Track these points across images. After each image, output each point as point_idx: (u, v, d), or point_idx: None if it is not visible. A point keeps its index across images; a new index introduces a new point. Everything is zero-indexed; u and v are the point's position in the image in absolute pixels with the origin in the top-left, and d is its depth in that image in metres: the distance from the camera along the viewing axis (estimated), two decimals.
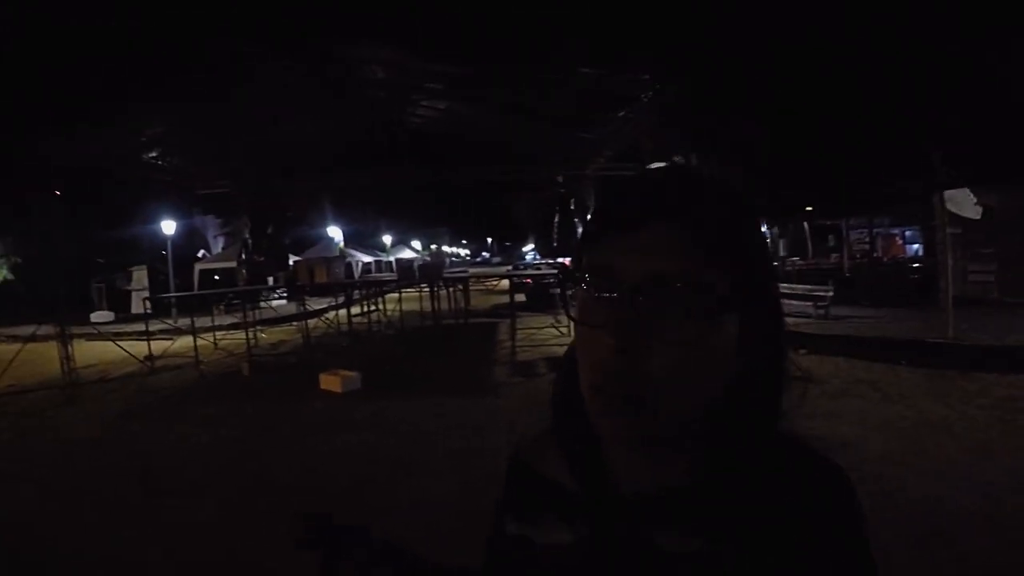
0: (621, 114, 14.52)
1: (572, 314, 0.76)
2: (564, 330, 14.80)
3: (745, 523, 0.70)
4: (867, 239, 22.98)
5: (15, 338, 19.78)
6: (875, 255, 21.92)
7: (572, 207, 21.70)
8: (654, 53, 11.55)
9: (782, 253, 25.51)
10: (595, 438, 0.80)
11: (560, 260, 23.11)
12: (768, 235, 25.64)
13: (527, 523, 0.88)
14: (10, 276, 35.69)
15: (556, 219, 21.68)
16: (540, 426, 0.94)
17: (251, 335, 16.54)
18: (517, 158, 21.13)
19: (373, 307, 20.60)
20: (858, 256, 23.13)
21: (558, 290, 17.63)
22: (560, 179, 22.11)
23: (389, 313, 21.90)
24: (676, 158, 12.50)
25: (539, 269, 23.56)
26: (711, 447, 0.75)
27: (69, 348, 13.23)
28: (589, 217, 0.80)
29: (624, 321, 0.68)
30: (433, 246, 65.90)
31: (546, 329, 15.87)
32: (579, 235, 0.90)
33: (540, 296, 21.24)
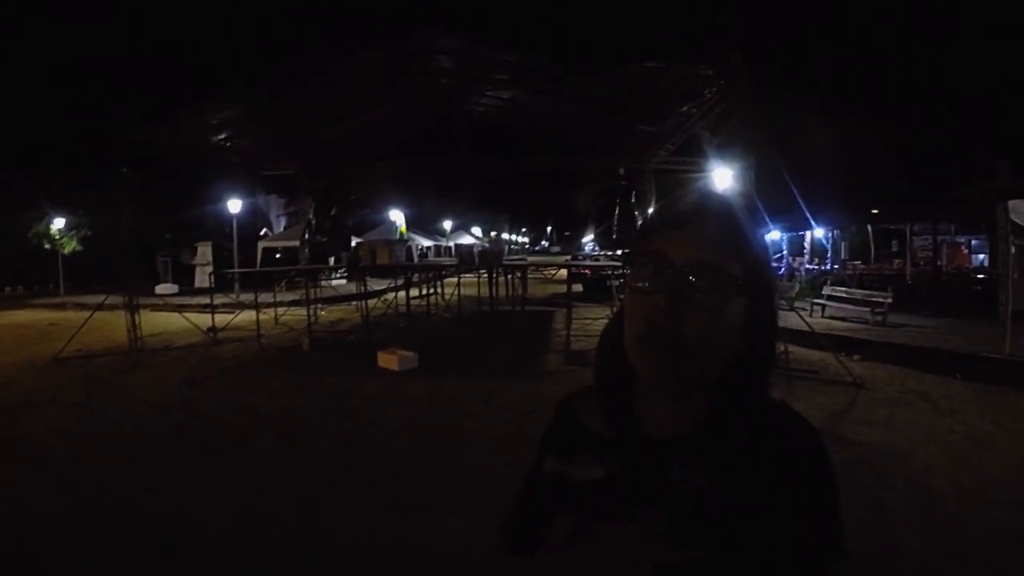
0: (684, 108, 14.40)
1: (630, 283, 1.02)
2: None
3: (739, 463, 0.93)
4: (931, 246, 22.30)
5: (84, 306, 20.58)
6: (938, 263, 21.24)
7: (633, 199, 21.51)
8: (717, 48, 11.37)
9: (843, 256, 25.02)
10: (629, 393, 1.08)
11: (619, 252, 22.91)
12: (830, 237, 25.18)
13: (565, 460, 1.11)
14: (80, 248, 36.88)
15: (616, 211, 21.53)
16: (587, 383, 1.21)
17: (312, 312, 16.86)
18: (579, 149, 21.10)
19: (432, 290, 20.81)
20: (921, 263, 22.44)
21: (616, 283, 17.74)
22: (622, 171, 21.95)
23: (447, 297, 22.11)
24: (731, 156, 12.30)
25: (597, 260, 23.37)
26: (717, 402, 0.99)
27: (136, 317, 13.65)
28: (650, 214, 1.14)
29: (673, 289, 0.96)
30: (493, 233, 65.98)
31: (601, 320, 15.78)
32: (639, 227, 1.16)
33: (597, 287, 21.15)
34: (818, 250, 26.12)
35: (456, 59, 15.45)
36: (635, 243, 1.07)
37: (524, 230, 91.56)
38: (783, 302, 14.40)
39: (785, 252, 27.29)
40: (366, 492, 5.88)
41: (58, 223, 34.95)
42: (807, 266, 25.14)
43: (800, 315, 12.51)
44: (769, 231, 28.04)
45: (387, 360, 11.53)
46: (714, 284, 0.95)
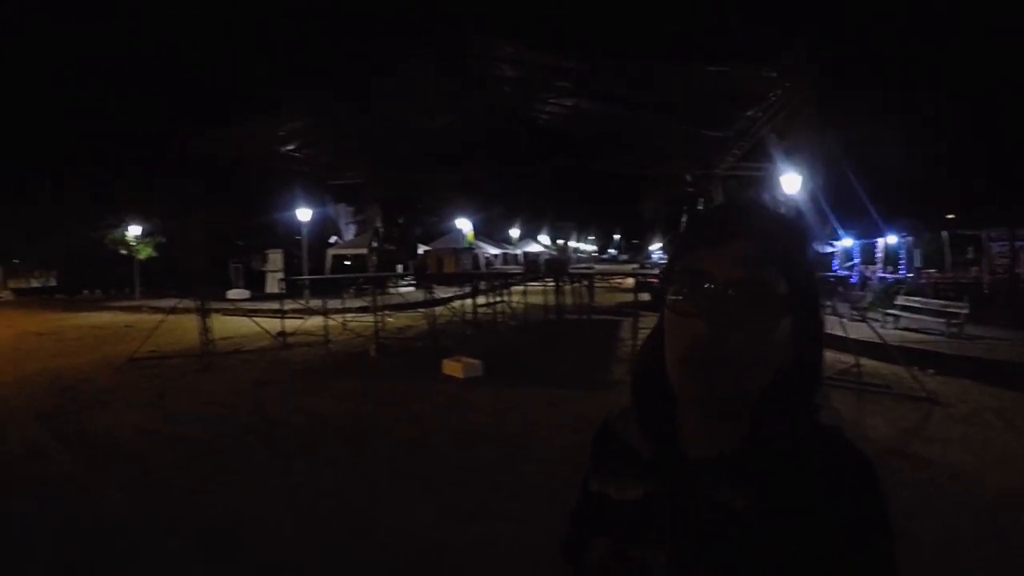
0: (749, 113, 14.11)
1: (669, 305, 0.97)
2: None
3: (783, 487, 0.88)
4: (1008, 252, 21.15)
5: (158, 310, 21.16)
6: (1016, 271, 20.12)
7: (700, 206, 21.18)
8: (782, 50, 11.11)
9: (917, 264, 24.16)
10: (669, 410, 1.02)
11: None
12: (903, 244, 24.38)
13: (606, 481, 1.08)
14: (155, 254, 38.16)
15: (684, 218, 21.21)
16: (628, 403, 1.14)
17: (379, 319, 17.00)
18: (645, 155, 20.90)
19: (498, 299, 20.81)
20: (999, 271, 21.30)
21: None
22: (689, 178, 21.66)
23: (514, 305, 22.09)
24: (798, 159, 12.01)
25: None
26: (761, 422, 0.94)
27: (207, 321, 13.96)
28: (684, 230, 1.08)
29: (717, 311, 0.89)
30: (560, 241, 65.90)
31: None
32: (677, 240, 1.09)
33: (664, 296, 20.88)
34: (891, 257, 25.28)
35: (518, 67, 15.47)
36: (673, 259, 1.02)
37: (591, 238, 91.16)
38: (855, 312, 13.95)
39: (857, 260, 26.54)
40: (423, 497, 5.85)
41: (134, 230, 36.50)
42: (879, 274, 24.36)
43: (871, 326, 12.09)
44: (840, 238, 27.35)
45: (452, 367, 11.54)
46: (759, 304, 0.90)
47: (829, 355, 9.81)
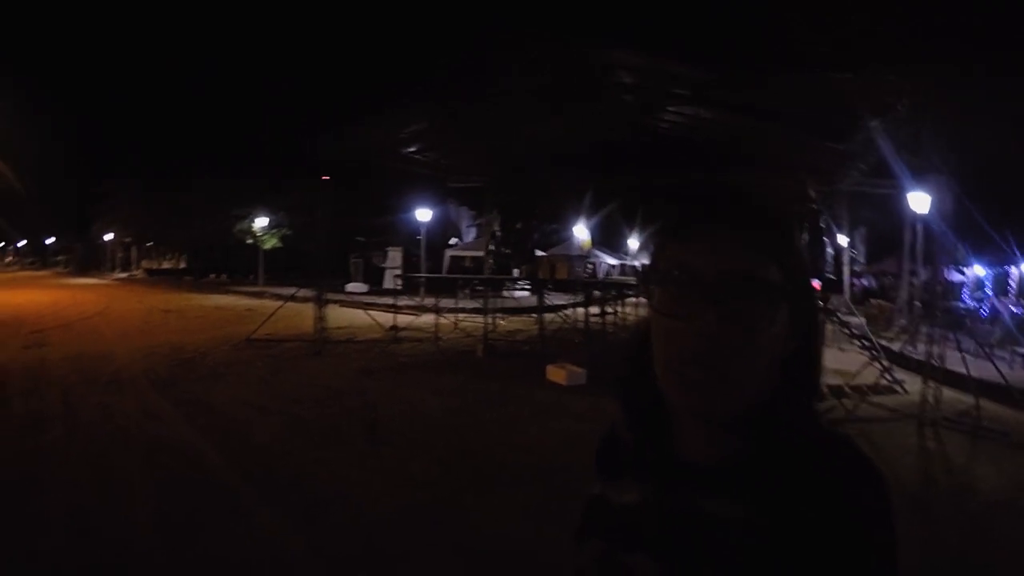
0: (874, 124, 13.55)
1: (655, 307, 0.91)
2: None
3: (779, 498, 0.81)
4: None
5: (279, 296, 22.14)
6: None
7: (823, 224, 20.48)
8: (909, 56, 10.63)
9: None
10: (661, 416, 0.96)
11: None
12: None
13: (607, 485, 1.05)
14: (279, 245, 40.06)
15: (804, 236, 20.51)
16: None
17: (490, 320, 17.29)
18: (766, 168, 20.42)
19: (611, 309, 20.78)
20: None
21: None
22: (811, 193, 21.00)
23: (626, 317, 21.99)
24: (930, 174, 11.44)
25: None
26: (759, 429, 0.87)
27: (323, 310, 14.59)
28: (666, 221, 0.98)
29: (706, 311, 0.83)
30: None
31: None
32: (655, 233, 1.07)
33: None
34: None
35: (637, 75, 15.43)
36: (654, 254, 0.95)
37: None
38: (981, 348, 13.12)
39: (989, 290, 24.97)
40: (508, 496, 5.99)
41: (261, 222, 38.58)
42: (1011, 307, 22.67)
43: (996, 365, 11.28)
44: (970, 265, 25.73)
45: (556, 374, 11.65)
46: (754, 297, 0.83)
47: (948, 394, 9.39)
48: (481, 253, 28.20)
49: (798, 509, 0.80)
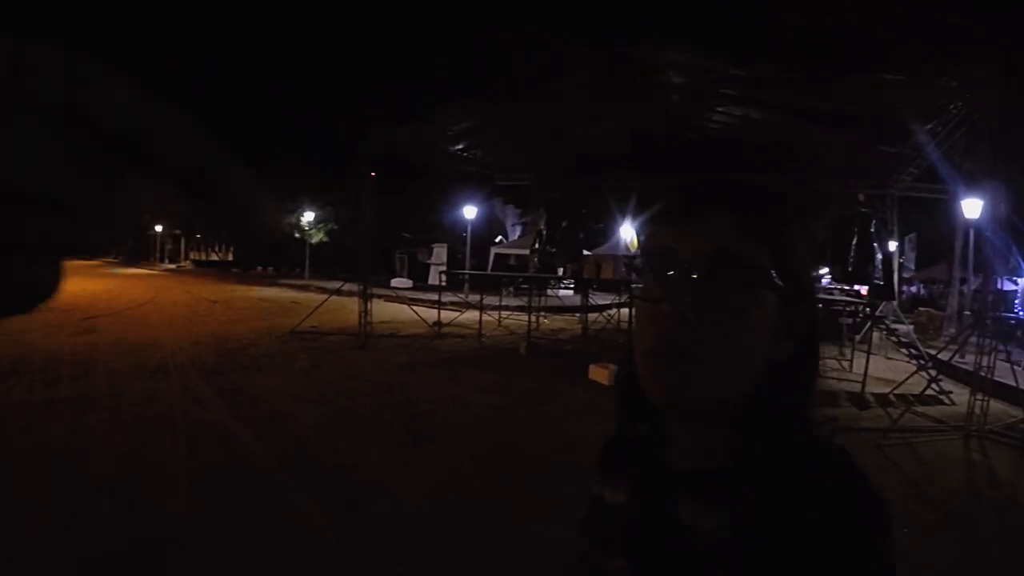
0: (928, 127, 13.23)
1: (638, 292, 0.87)
2: (846, 364, 13.81)
3: (762, 510, 0.76)
4: None
5: (324, 290, 22.40)
6: None
7: (873, 228, 20.03)
8: (962, 57, 10.36)
9: None
10: (655, 416, 0.92)
11: (855, 287, 21.25)
12: None
13: (604, 484, 1.03)
14: (325, 239, 40.59)
15: (853, 240, 20.02)
16: None
17: (534, 318, 17.29)
18: (815, 171, 20.11)
19: None
20: None
21: (849, 320, 16.34)
22: (861, 197, 20.55)
23: None
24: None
25: (831, 294, 21.95)
26: (744, 435, 0.82)
27: (368, 304, 14.70)
28: (656, 208, 0.95)
29: (683, 292, 0.79)
30: None
31: (827, 360, 14.83)
32: (646, 222, 1.01)
33: (828, 324, 19.92)
34: None
35: (686, 74, 15.28)
36: (643, 243, 0.93)
37: None
38: None
39: None
40: (546, 494, 5.94)
41: (308, 216, 39.17)
42: None
43: None
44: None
45: (598, 373, 11.59)
46: (733, 279, 0.79)
47: (996, 406, 9.13)
48: (526, 251, 28.27)
49: (778, 525, 0.74)
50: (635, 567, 0.86)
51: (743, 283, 0.79)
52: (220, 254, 59.23)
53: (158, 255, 61.71)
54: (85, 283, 28.68)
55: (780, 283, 0.81)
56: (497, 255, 33.44)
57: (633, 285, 0.90)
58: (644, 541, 0.86)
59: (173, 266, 55.45)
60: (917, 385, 10.26)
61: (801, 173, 20.01)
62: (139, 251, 64.03)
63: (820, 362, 0.91)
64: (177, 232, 61.39)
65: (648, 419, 0.94)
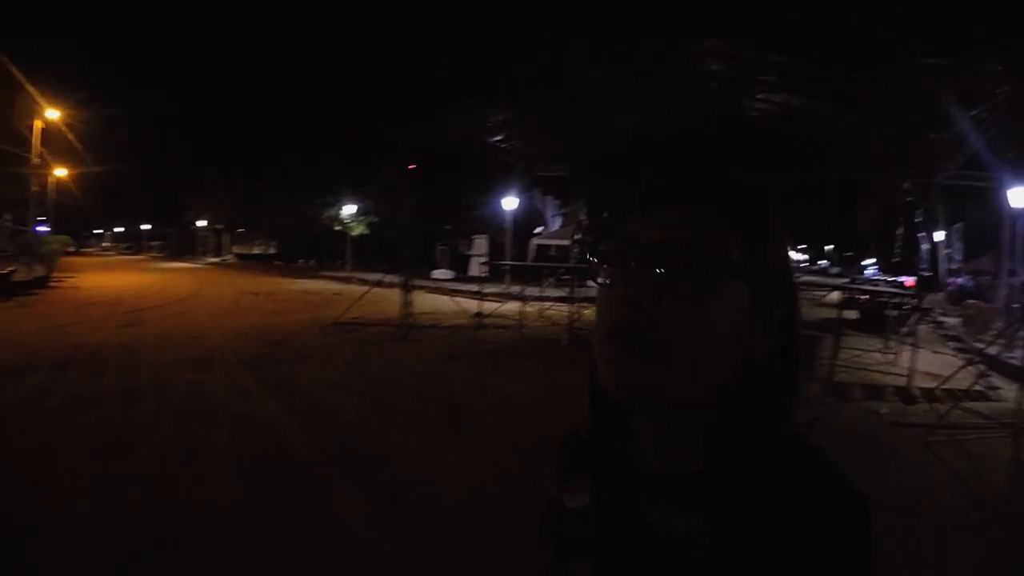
0: (973, 113, 12.86)
1: (598, 281, 0.84)
2: (892, 356, 13.48)
3: (736, 515, 0.73)
4: None
5: (366, 282, 22.55)
6: None
7: (918, 219, 19.57)
8: (1010, 41, 10.00)
9: None
10: (621, 418, 0.89)
11: (901, 279, 20.82)
12: None
13: (563, 488, 0.97)
14: (367, 231, 40.91)
15: (900, 231, 19.65)
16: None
17: (575, 309, 17.24)
18: (859, 160, 19.75)
19: None
20: None
21: (894, 312, 15.88)
22: (906, 186, 20.11)
23: None
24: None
25: (876, 286, 21.53)
26: (720, 434, 0.79)
27: (410, 296, 14.78)
28: (621, 202, 0.91)
29: (639, 278, 0.77)
30: None
31: (872, 353, 14.50)
32: (612, 210, 0.96)
33: (873, 316, 19.53)
34: None
35: (726, 60, 15.08)
36: (608, 231, 0.88)
37: (803, 247, 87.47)
38: None
39: None
40: None
41: (349, 209, 39.60)
42: None
43: None
44: None
45: None
46: (694, 266, 0.76)
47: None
48: (567, 242, 28.22)
49: (750, 528, 0.72)
50: (603, 573, 0.83)
51: (705, 271, 0.76)
52: (263, 247, 59.98)
53: (202, 249, 62.63)
54: (131, 277, 29.28)
55: (748, 273, 0.78)
56: (538, 246, 33.48)
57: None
58: (612, 546, 0.83)
59: (217, 260, 56.23)
60: (964, 380, 10.03)
61: (844, 163, 19.65)
62: (183, 245, 65.14)
63: (812, 362, 0.88)
64: (220, 226, 62.32)
65: (613, 415, 0.91)
